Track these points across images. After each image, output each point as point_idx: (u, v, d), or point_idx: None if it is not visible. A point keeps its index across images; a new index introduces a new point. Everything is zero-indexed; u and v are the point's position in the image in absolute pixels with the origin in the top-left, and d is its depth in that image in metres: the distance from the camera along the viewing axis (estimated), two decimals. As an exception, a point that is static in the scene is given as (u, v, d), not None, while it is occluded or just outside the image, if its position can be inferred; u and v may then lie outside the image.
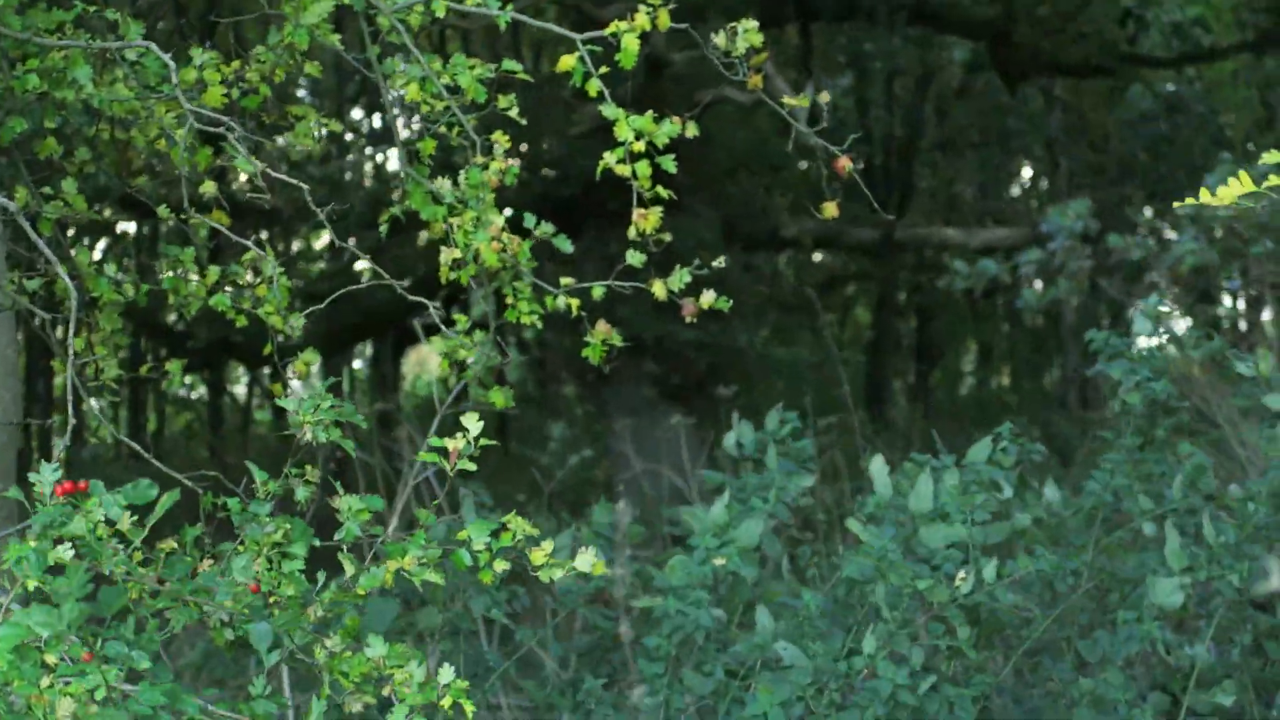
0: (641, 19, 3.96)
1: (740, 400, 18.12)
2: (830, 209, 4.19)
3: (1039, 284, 18.52)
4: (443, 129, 4.12)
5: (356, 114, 17.69)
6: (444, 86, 4.03)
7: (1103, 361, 5.15)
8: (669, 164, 3.98)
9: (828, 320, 24.56)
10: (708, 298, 4.16)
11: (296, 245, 18.49)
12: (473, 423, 3.14)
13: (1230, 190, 1.98)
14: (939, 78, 19.05)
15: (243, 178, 4.31)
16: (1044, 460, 5.06)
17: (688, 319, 4.20)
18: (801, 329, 17.08)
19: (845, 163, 4.14)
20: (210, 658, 7.07)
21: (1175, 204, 2.78)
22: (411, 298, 4.27)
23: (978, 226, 17.10)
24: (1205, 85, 17.59)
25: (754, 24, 4.02)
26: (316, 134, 4.39)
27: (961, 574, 4.22)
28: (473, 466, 3.16)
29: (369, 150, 18.08)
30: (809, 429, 6.15)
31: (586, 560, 3.18)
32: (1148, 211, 18.52)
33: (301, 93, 18.33)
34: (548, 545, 3.19)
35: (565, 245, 4.23)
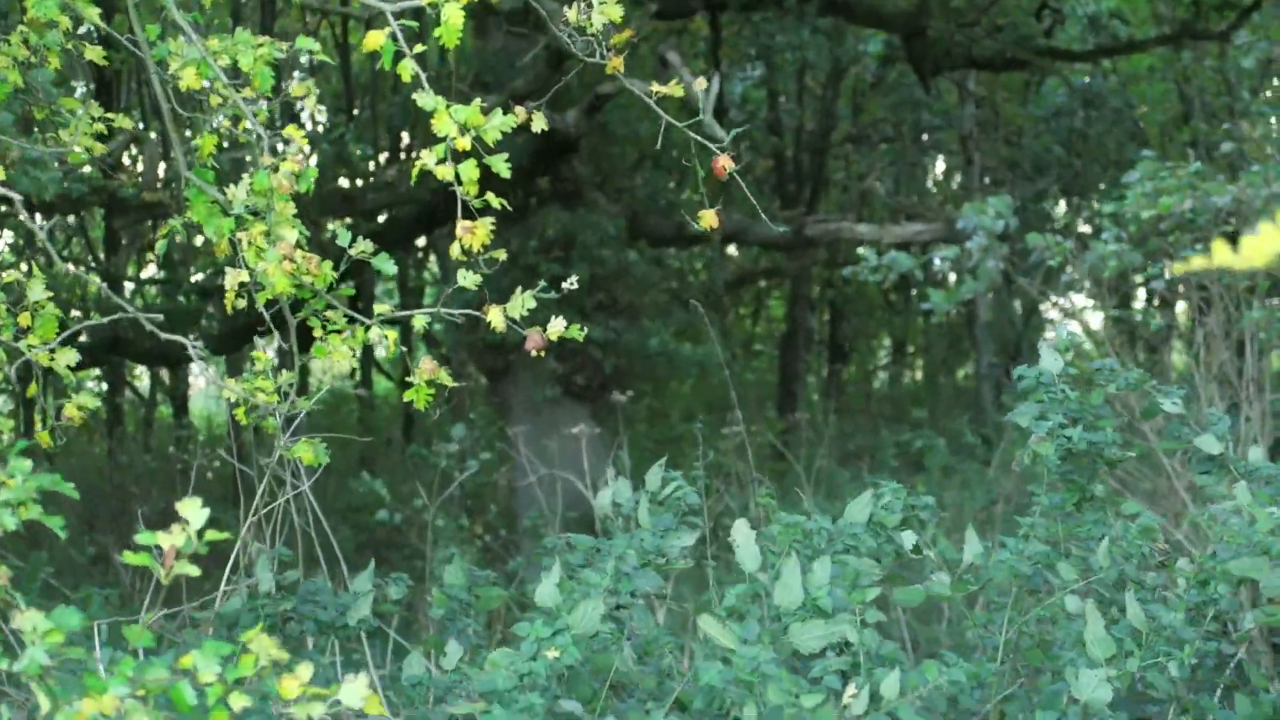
0: (464, -11, 3.26)
1: (647, 401, 17.50)
2: (709, 218, 3.54)
3: (953, 277, 18.06)
4: (226, 123, 3.41)
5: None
6: (223, 70, 3.32)
7: (1011, 406, 4.34)
8: (501, 166, 3.28)
9: (736, 316, 24.02)
10: (556, 328, 3.49)
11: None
12: (194, 511, 2.38)
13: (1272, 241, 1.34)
14: (851, 70, 18.55)
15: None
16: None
17: (533, 353, 3.52)
18: (712, 326, 16.56)
19: (724, 163, 3.50)
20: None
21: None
22: (165, 336, 3.58)
23: (890, 222, 16.61)
24: (1122, 79, 17.23)
25: (614, -5, 3.36)
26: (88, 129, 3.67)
27: (851, 689, 3.46)
28: (195, 570, 2.40)
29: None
30: (702, 453, 5.48)
31: (355, 693, 2.42)
32: (1062, 207, 18.15)
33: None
34: (304, 671, 2.43)
35: (386, 267, 3.54)
